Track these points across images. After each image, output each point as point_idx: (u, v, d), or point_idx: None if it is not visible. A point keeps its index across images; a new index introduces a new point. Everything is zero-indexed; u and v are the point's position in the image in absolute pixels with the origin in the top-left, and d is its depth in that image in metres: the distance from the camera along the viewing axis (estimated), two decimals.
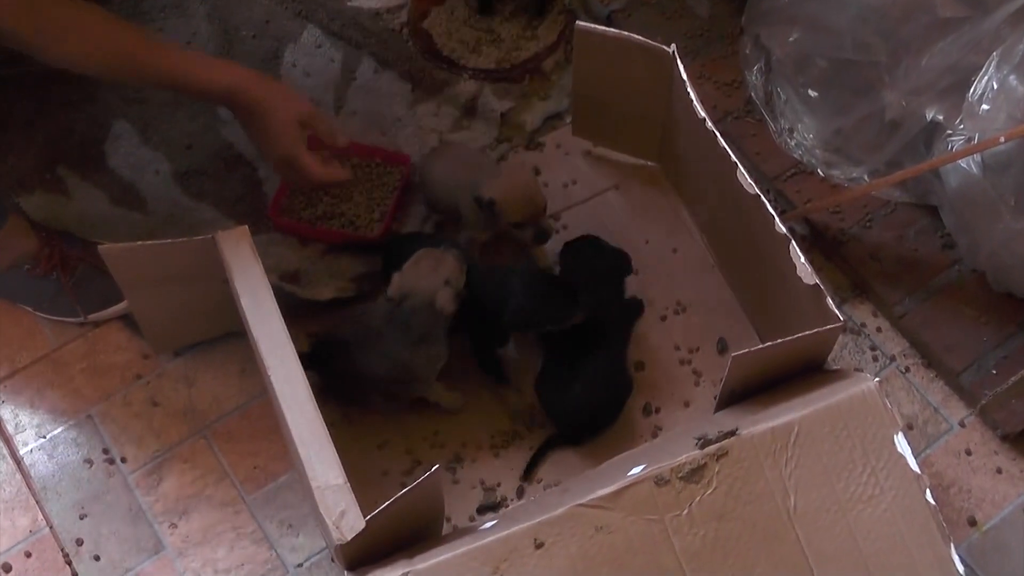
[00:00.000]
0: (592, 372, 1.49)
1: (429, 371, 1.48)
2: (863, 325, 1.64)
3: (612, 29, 1.59)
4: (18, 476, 1.53)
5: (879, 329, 1.63)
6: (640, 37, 1.55)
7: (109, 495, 1.51)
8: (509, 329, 1.53)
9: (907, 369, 1.60)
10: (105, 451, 1.54)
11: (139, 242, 1.40)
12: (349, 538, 1.14)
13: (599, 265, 1.58)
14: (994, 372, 1.56)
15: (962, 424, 1.56)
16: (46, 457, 1.54)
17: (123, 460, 1.53)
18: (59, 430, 1.56)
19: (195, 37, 1.92)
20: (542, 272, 1.57)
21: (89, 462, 1.53)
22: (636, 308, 1.63)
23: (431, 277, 1.40)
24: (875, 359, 1.61)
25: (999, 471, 1.52)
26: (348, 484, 1.19)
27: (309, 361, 1.29)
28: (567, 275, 1.59)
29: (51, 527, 1.49)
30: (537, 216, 1.56)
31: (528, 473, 1.50)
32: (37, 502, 1.51)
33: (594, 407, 1.50)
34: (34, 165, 1.76)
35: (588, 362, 1.49)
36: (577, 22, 1.60)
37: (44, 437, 1.55)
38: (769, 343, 1.25)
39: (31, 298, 1.62)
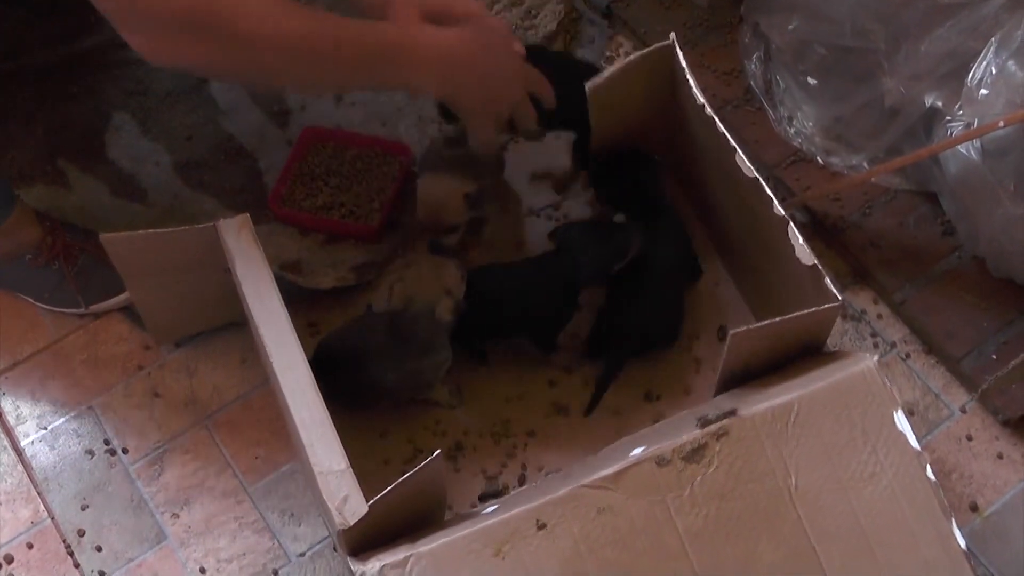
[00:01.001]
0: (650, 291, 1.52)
1: (437, 375, 1.48)
2: (863, 312, 1.64)
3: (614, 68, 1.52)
4: (19, 467, 1.53)
5: (879, 316, 1.63)
6: (637, 53, 1.50)
7: (111, 486, 1.51)
8: (586, 283, 1.51)
9: (908, 356, 1.60)
10: (106, 442, 1.54)
11: (140, 231, 1.40)
12: (352, 523, 1.14)
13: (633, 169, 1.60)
14: (994, 358, 1.56)
15: (963, 410, 1.56)
16: (47, 448, 1.54)
17: (124, 451, 1.53)
18: (60, 421, 1.56)
19: None
20: (584, 221, 1.56)
21: (90, 453, 1.53)
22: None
23: (432, 285, 1.40)
24: (876, 346, 1.61)
25: (1000, 456, 1.52)
26: (351, 470, 1.18)
27: (313, 371, 1.28)
28: (608, 191, 1.62)
29: (53, 518, 1.49)
30: (437, 229, 1.54)
31: (592, 408, 1.52)
32: (38, 493, 1.51)
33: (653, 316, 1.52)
34: (34, 157, 1.75)
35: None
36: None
37: (45, 428, 1.56)
38: (769, 320, 1.25)
39: (32, 289, 1.62)
